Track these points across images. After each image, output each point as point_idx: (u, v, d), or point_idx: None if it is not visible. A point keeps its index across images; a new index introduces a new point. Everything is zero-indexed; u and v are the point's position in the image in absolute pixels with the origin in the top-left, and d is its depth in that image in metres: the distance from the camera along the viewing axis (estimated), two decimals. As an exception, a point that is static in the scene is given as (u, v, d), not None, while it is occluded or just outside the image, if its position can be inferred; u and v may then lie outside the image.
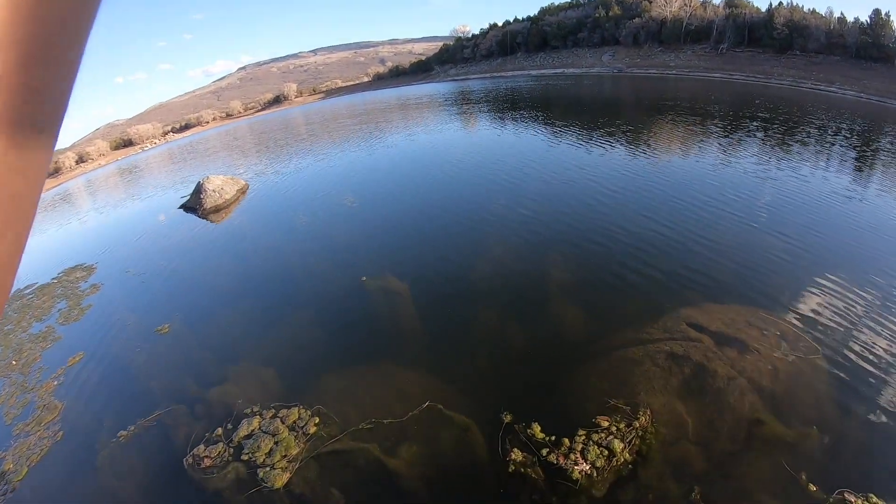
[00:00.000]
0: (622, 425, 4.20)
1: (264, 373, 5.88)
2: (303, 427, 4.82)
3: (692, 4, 59.03)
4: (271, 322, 7.09)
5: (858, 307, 5.71)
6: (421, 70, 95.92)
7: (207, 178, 15.77)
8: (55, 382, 6.88)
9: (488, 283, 6.99)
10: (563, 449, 4.07)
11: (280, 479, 4.32)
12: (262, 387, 5.64)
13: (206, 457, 4.68)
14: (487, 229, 8.92)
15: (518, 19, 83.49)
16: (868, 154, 13.72)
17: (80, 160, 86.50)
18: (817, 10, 49.58)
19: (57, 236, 19.37)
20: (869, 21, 42.97)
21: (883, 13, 42.02)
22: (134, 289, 9.93)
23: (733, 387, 4.51)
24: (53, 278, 12.14)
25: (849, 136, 16.27)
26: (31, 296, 11.24)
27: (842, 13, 47.07)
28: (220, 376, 6.01)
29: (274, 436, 4.77)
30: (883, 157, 13.45)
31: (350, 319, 6.71)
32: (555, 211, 9.35)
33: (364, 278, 7.57)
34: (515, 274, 7.15)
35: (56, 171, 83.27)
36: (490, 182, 11.97)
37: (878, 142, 15.64)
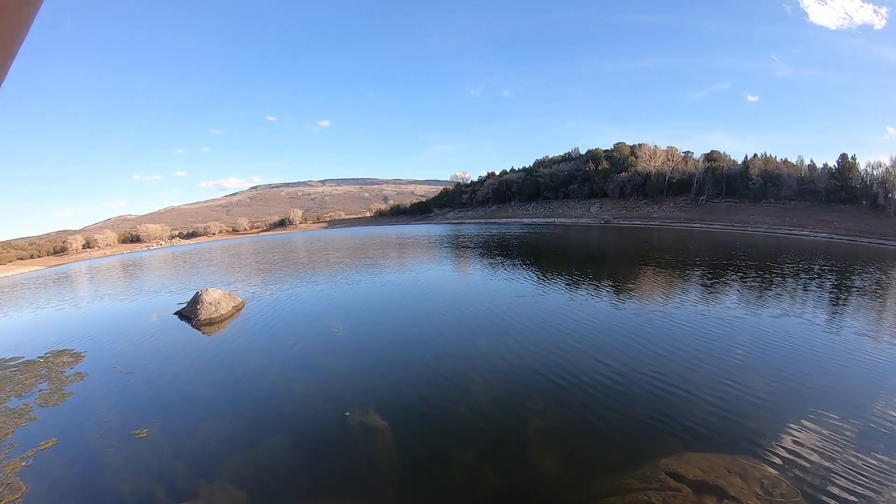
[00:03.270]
0: (599, 583, 4.09)
1: (237, 494, 5.70)
2: (270, 556, 4.60)
3: (674, 159, 65.34)
4: (250, 443, 6.97)
5: (836, 446, 5.83)
6: (420, 211, 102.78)
7: (206, 290, 16.23)
8: (23, 463, 6.68)
9: (468, 425, 7.06)
10: None
11: None
12: (234, 507, 5.46)
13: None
14: (469, 370, 9.13)
15: (514, 169, 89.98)
16: (836, 294, 14.80)
17: (88, 245, 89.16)
18: (789, 160, 53.83)
19: (51, 315, 19.47)
20: (837, 165, 46.91)
21: (850, 156, 45.94)
22: (118, 385, 9.83)
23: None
24: (40, 357, 12.16)
25: (818, 277, 17.55)
26: (14, 369, 11.21)
27: (811, 160, 51.30)
28: (192, 491, 5.81)
29: (238, 563, 4.53)
30: (851, 296, 14.51)
31: (328, 451, 6.63)
32: (536, 356, 9.66)
33: (347, 413, 7.59)
34: (495, 417, 7.23)
35: (62, 250, 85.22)
36: (475, 323, 12.45)
37: (846, 281, 16.97)
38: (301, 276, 24.40)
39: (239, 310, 16.16)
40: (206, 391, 9.23)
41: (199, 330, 14.26)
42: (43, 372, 10.88)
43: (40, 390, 9.68)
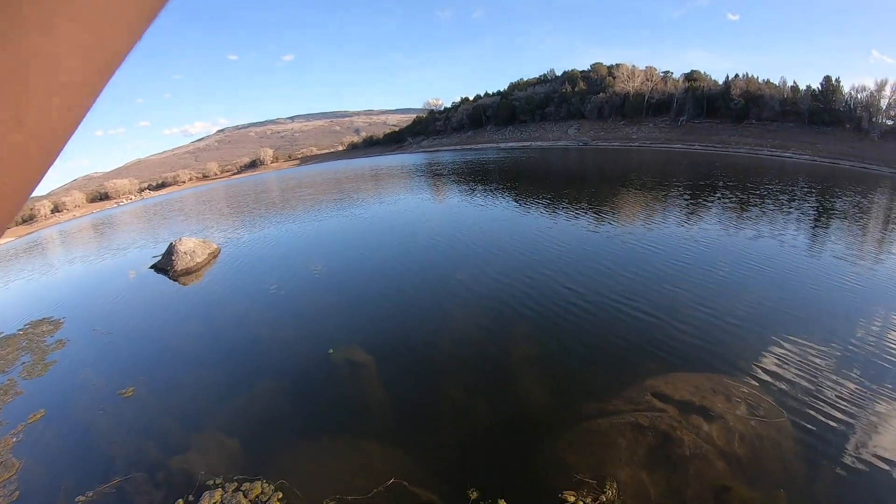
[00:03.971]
0: (588, 499, 4.23)
1: (228, 442, 5.72)
2: (265, 502, 4.66)
3: (653, 79, 62.91)
4: (237, 391, 6.95)
5: (818, 365, 6.03)
6: (394, 141, 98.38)
7: (180, 239, 15.75)
8: (14, 439, 6.63)
9: (453, 354, 7.09)
10: (529, 525, 4.05)
11: (238, 560, 4.12)
12: (226, 457, 5.47)
13: (162, 535, 4.46)
14: (453, 300, 9.09)
15: (489, 94, 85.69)
16: (816, 217, 14.96)
17: (56, 210, 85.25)
18: (771, 80, 52.26)
19: (26, 286, 18.79)
20: (820, 87, 45.75)
21: (833, 79, 44.88)
22: (100, 348, 9.66)
23: (699, 455, 4.62)
24: (19, 329, 11.84)
25: (798, 200, 17.67)
26: (-5, 345, 10.89)
27: (794, 82, 49.64)
28: (182, 444, 5.82)
29: (235, 511, 4.59)
30: (831, 219, 14.69)
31: (316, 391, 6.65)
32: (520, 283, 9.63)
33: (331, 350, 7.56)
34: (480, 345, 7.26)
35: (31, 219, 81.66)
36: (457, 253, 12.33)
37: (826, 204, 17.14)
38: (276, 217, 23.85)
39: (215, 256, 15.81)
40: (188, 343, 9.13)
41: (176, 281, 13.99)
42: (24, 344, 10.66)
43: (23, 363, 9.49)
